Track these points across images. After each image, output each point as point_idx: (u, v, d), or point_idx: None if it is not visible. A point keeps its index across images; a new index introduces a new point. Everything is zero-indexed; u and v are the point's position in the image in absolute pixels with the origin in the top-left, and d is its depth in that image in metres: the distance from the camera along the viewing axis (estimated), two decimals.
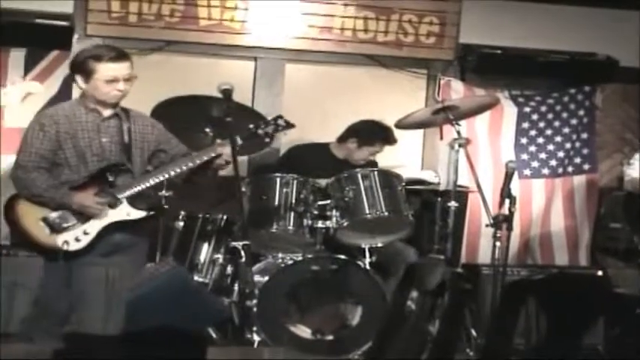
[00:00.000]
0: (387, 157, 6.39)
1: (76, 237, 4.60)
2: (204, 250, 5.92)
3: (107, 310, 4.53)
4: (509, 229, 5.59)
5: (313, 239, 5.66)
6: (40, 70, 6.34)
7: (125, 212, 4.66)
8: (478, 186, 5.74)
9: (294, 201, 5.61)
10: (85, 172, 4.66)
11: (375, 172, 5.71)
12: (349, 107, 6.82)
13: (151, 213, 4.75)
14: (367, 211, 5.60)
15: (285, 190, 5.63)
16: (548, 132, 7.15)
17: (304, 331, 5.60)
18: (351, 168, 5.88)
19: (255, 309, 5.18)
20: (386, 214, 5.62)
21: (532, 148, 7.13)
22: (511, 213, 5.53)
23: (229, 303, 5.63)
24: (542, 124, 7.14)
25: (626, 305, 4.91)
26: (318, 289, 5.61)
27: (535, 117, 7.14)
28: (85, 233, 4.61)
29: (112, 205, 4.63)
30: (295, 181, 5.65)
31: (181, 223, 5.91)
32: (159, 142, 4.87)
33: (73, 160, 4.65)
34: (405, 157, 6.91)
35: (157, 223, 5.52)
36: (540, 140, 7.14)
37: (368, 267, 5.67)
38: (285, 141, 6.44)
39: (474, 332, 5.73)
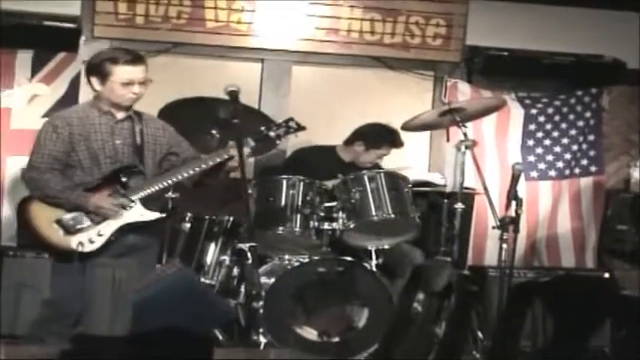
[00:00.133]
0: (393, 159, 6.37)
1: (89, 238, 4.61)
2: (211, 252, 5.92)
3: (115, 311, 4.53)
4: (516, 231, 5.57)
5: (319, 241, 5.65)
6: (47, 72, 6.35)
7: (139, 214, 4.67)
8: (485, 188, 5.73)
9: (300, 203, 5.60)
10: (98, 174, 4.67)
11: (382, 174, 5.70)
12: (356, 109, 6.82)
13: (164, 215, 4.77)
14: (374, 213, 5.59)
15: (291, 191, 5.62)
16: (555, 134, 7.13)
17: (310, 333, 5.59)
18: (357, 171, 5.87)
19: (261, 310, 5.15)
20: (392, 216, 5.61)
21: (539, 150, 7.11)
22: (518, 215, 5.52)
23: (236, 304, 5.62)
24: (548, 126, 7.13)
25: (633, 307, 4.91)
26: (324, 290, 5.59)
27: (542, 119, 7.12)
28: (99, 235, 4.63)
29: (126, 207, 4.64)
30: (302, 183, 5.64)
31: (188, 225, 5.92)
32: (170, 145, 4.88)
33: (86, 162, 4.67)
34: (411, 159, 6.90)
35: (164, 225, 5.53)
36: (547, 142, 7.12)
37: (374, 269, 5.66)
38: (291, 143, 6.44)
39: (480, 334, 5.71)
